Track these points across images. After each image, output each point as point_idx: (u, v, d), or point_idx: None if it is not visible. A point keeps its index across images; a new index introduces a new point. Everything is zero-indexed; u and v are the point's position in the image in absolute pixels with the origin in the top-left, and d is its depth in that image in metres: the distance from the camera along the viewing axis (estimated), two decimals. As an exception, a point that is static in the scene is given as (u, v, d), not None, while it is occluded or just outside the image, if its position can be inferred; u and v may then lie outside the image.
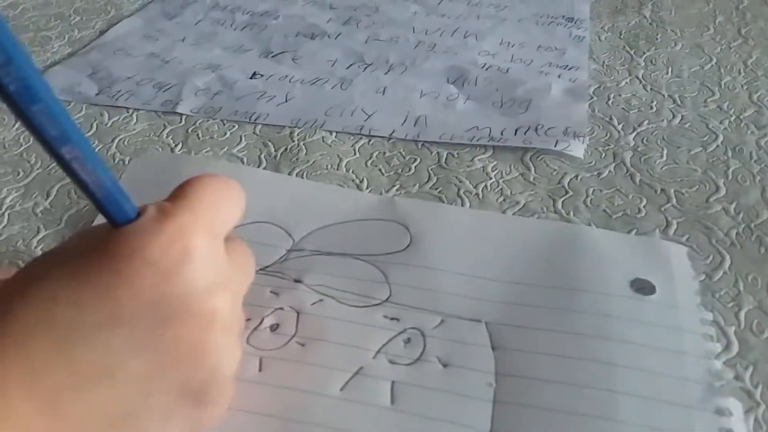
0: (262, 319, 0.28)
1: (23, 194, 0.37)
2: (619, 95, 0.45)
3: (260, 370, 0.26)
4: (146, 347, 0.20)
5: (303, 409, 0.25)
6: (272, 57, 0.51)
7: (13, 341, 0.18)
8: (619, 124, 0.42)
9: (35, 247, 0.33)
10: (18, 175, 0.39)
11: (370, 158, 0.39)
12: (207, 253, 0.20)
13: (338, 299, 0.29)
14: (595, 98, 0.45)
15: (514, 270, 0.30)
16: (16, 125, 0.43)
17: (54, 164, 0.39)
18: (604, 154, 0.39)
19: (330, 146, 0.40)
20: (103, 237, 0.20)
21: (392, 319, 0.28)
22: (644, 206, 0.34)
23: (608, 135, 0.41)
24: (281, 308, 0.29)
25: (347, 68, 0.49)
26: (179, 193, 0.21)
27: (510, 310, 0.28)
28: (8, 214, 0.35)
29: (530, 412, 0.24)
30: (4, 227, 0.35)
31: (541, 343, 0.26)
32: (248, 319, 0.28)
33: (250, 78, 0.48)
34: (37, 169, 0.39)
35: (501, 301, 0.28)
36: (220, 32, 0.55)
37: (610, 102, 0.44)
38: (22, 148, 0.41)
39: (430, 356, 0.26)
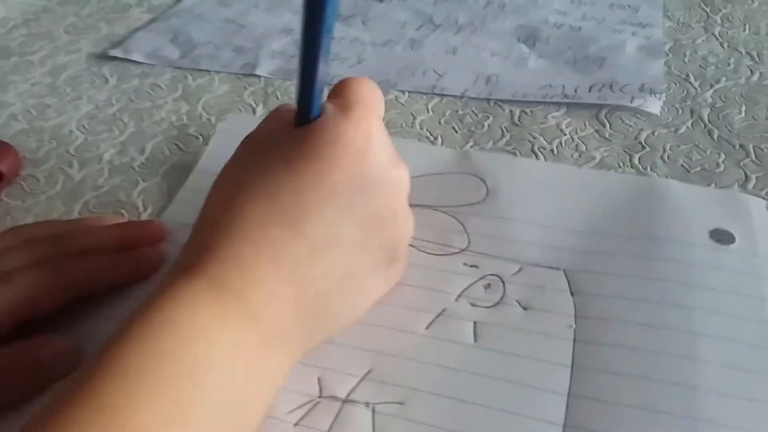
0: (349, 264, 0.30)
1: (120, 151, 0.40)
2: (696, 52, 0.44)
3: (350, 310, 0.28)
4: (355, 216, 0.24)
5: (392, 344, 0.26)
6: (342, 20, 0.52)
7: (256, 227, 0.23)
8: (696, 81, 0.41)
9: (136, 197, 0.36)
10: (113, 132, 0.41)
11: (443, 116, 0.40)
12: (382, 133, 0.25)
13: (419, 248, 0.31)
14: (671, 56, 0.44)
15: (591, 220, 0.30)
16: (109, 85, 0.46)
17: (147, 123, 0.42)
18: (681, 111, 0.39)
19: (403, 105, 0.42)
20: (300, 133, 0.24)
21: (471, 266, 0.30)
22: (722, 161, 0.34)
23: (685, 92, 0.40)
24: (366, 254, 0.30)
25: (417, 29, 0.50)
26: (343, 92, 0.26)
27: (589, 258, 0.29)
28: (108, 169, 0.38)
29: (611, 351, 0.25)
30: (105, 180, 0.37)
31: (621, 288, 0.27)
32: (336, 264, 0.30)
33: (323, 41, 0.49)
34: (131, 127, 0.42)
35: (579, 249, 0.29)
36: (291, -3, 0.57)
37: (686, 59, 0.44)
38: (114, 108, 0.44)
39: (510, 300, 0.28)
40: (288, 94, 0.44)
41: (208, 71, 0.47)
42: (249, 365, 0.22)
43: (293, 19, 0.53)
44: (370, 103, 0.25)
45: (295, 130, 0.25)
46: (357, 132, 0.24)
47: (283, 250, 0.23)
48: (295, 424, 0.24)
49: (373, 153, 0.24)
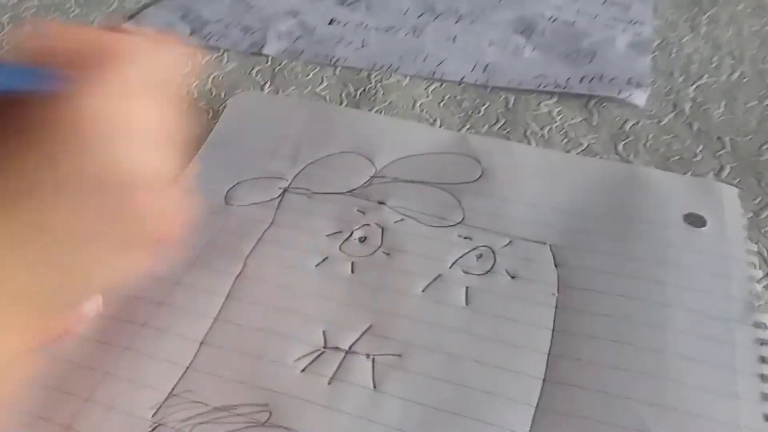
0: (352, 232, 0.32)
1: (134, 120, 0.42)
2: (682, 50, 0.47)
3: (352, 272, 0.30)
4: None
5: (391, 304, 0.29)
6: (347, 5, 0.54)
7: None
8: (680, 76, 0.44)
9: (150, 165, 0.38)
10: (127, 104, 0.43)
11: (442, 100, 0.43)
12: None
13: (417, 219, 0.33)
14: (658, 52, 0.47)
15: (576, 201, 0.33)
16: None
17: (159, 95, 0.43)
18: (664, 104, 0.41)
19: (405, 88, 0.44)
20: None
21: (465, 238, 0.32)
22: (700, 151, 0.37)
23: (669, 86, 0.43)
24: (368, 224, 0.33)
25: (418, 17, 0.52)
26: None
27: (573, 235, 0.31)
28: (123, 137, 0.40)
29: (589, 317, 0.28)
30: (120, 148, 0.39)
31: (601, 263, 0.30)
32: (339, 231, 0.32)
33: (329, 24, 0.51)
34: (144, 99, 0.43)
35: (564, 227, 0.32)
36: (297, -20, 0.58)
37: (672, 56, 0.46)
38: (127, 81, 0.45)
39: (500, 269, 0.30)
40: (295, 73, 0.46)
41: (218, 49, 0.49)
42: None
43: (300, 2, 0.55)
44: None
45: None
46: None
47: None
48: (302, 371, 0.26)
49: None
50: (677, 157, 0.37)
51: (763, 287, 0.29)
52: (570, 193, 0.34)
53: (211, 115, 0.42)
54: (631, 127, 0.39)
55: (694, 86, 0.43)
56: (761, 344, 0.26)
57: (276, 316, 0.28)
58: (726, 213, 0.32)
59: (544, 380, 0.26)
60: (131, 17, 0.52)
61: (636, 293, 0.28)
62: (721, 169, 0.36)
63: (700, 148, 0.37)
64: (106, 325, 0.28)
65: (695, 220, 0.32)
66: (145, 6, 0.55)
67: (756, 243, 0.31)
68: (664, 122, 0.40)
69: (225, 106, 0.42)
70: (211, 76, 0.46)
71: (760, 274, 0.29)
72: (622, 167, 0.36)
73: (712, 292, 0.28)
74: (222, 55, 0.48)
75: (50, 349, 0.27)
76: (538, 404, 0.25)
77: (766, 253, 0.30)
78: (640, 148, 0.38)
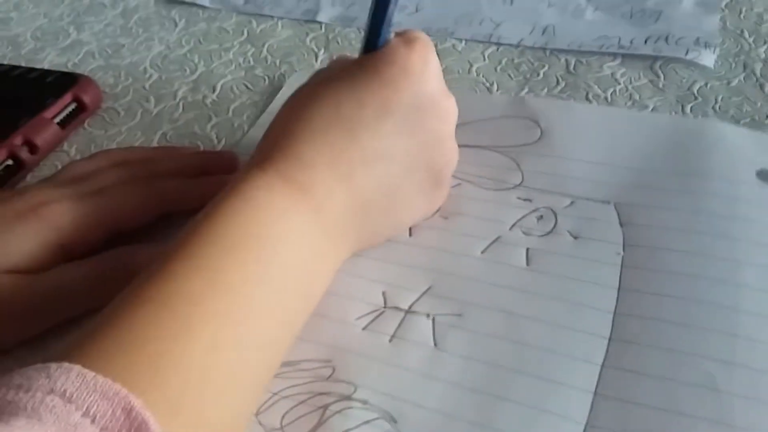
0: (409, 195, 0.32)
1: (192, 88, 0.42)
2: (752, 9, 0.45)
3: (410, 236, 0.30)
4: (408, 133, 0.27)
5: (450, 265, 0.29)
6: (400, -29, 0.53)
7: (318, 132, 0.26)
8: (750, 36, 0.42)
9: (209, 131, 0.38)
10: (185, 72, 0.44)
11: (500, 64, 0.42)
12: (437, 65, 0.28)
13: (476, 183, 0.33)
14: (727, 11, 0.44)
15: (642, 158, 0.32)
16: (179, 28, 0.48)
17: (216, 64, 0.44)
18: (734, 65, 0.39)
19: (460, 53, 0.43)
20: (366, 58, 0.27)
21: (525, 200, 0.31)
22: (773, 113, 0.35)
23: (739, 47, 0.41)
24: (425, 187, 0.32)
25: (474, -19, 0.51)
26: (405, 33, 0.28)
27: (638, 192, 0.30)
28: (182, 104, 0.41)
29: (656, 276, 0.27)
30: (180, 114, 0.40)
31: (669, 220, 0.29)
32: (397, 194, 0.32)
33: (382, -10, 0.51)
34: (201, 67, 0.44)
35: (630, 185, 0.31)
36: (349, -52, 0.58)
37: (741, 15, 0.44)
38: (185, 49, 0.46)
39: (562, 230, 0.30)
40: (348, 40, 0.46)
41: (272, 17, 0.49)
42: (312, 249, 0.25)
43: (352, -31, 0.54)
44: (429, 41, 0.28)
45: (361, 57, 0.27)
46: (416, 58, 0.27)
47: (340, 154, 0.26)
48: (363, 329, 0.27)
49: (428, 79, 0.27)
50: (748, 119, 0.35)
51: (844, 249, 0.27)
52: (635, 149, 0.32)
53: (266, 82, 0.42)
54: (699, 88, 0.38)
55: (766, 46, 0.41)
56: (840, 304, 0.25)
57: (338, 278, 0.28)
58: (802, 173, 0.30)
59: (609, 339, 0.25)
60: (187, -12, 0.53)
61: (706, 249, 0.27)
62: (796, 130, 0.34)
63: (773, 108, 0.36)
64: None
65: (768, 178, 0.30)
66: (200, -23, 0.55)
67: (836, 204, 0.29)
68: (733, 83, 0.38)
69: (281, 73, 0.42)
70: (266, 45, 0.46)
71: (839, 235, 0.28)
72: (691, 122, 0.34)
73: (788, 251, 0.27)
74: (276, 22, 0.48)
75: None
76: (603, 362, 0.24)
77: None
78: (709, 110, 0.36)
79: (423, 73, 0.27)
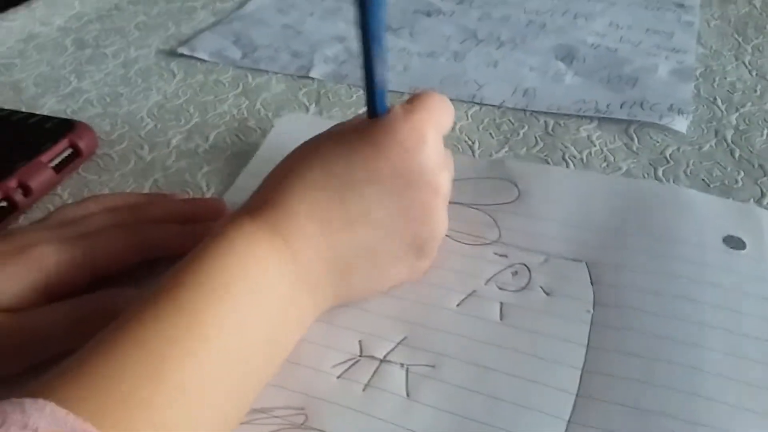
0: (390, 247, 0.33)
1: (186, 137, 0.44)
2: (725, 78, 0.47)
3: (389, 285, 0.31)
4: (394, 203, 0.28)
5: (426, 316, 0.29)
6: (391, 31, 0.56)
7: (308, 186, 0.27)
8: (722, 104, 0.44)
9: (200, 179, 0.40)
10: (180, 121, 0.46)
11: (482, 123, 0.43)
12: (435, 141, 0.29)
13: (455, 238, 0.34)
14: (701, 80, 0.47)
15: (614, 220, 0.33)
16: (177, 79, 0.50)
17: (211, 115, 0.46)
18: (706, 131, 0.41)
19: (445, 111, 0.45)
20: (366, 124, 0.28)
21: (501, 255, 0.33)
22: (741, 178, 0.37)
23: (711, 114, 0.43)
24: (406, 240, 0.34)
25: (461, 43, 0.53)
26: (415, 100, 0.29)
27: (609, 253, 0.31)
28: (175, 152, 0.42)
29: (623, 334, 0.28)
30: (173, 162, 0.41)
31: (637, 281, 0.30)
32: (378, 246, 0.33)
33: (373, 49, 0.53)
34: (196, 118, 0.46)
35: (601, 245, 0.32)
36: (343, 8, 0.61)
37: (715, 84, 0.46)
38: (181, 100, 0.48)
39: (535, 286, 0.31)
40: (339, 95, 0.47)
41: (267, 71, 0.51)
42: (288, 297, 0.26)
43: (346, 28, 0.57)
44: (434, 114, 0.29)
45: (361, 122, 0.29)
46: (411, 132, 0.27)
47: (327, 212, 0.27)
48: (338, 377, 0.27)
49: (421, 155, 0.28)
50: (718, 183, 0.37)
51: (805, 313, 0.28)
52: (607, 212, 0.34)
53: (259, 132, 0.44)
54: (671, 152, 0.39)
55: (737, 114, 0.43)
56: (801, 368, 0.26)
57: (315, 326, 0.29)
58: (766, 237, 0.32)
59: (577, 395, 0.26)
60: (186, 42, 0.55)
61: (672, 312, 0.28)
62: (762, 195, 0.35)
63: (741, 174, 0.37)
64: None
65: (735, 243, 0.31)
66: (200, 31, 0.57)
67: (798, 269, 0.30)
68: (705, 149, 0.40)
69: (272, 125, 0.44)
70: (260, 98, 0.48)
71: (801, 299, 0.29)
72: (661, 187, 0.36)
73: (750, 313, 0.28)
74: (271, 77, 0.50)
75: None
76: (570, 418, 0.25)
77: (808, 279, 0.30)
78: (681, 174, 0.38)
79: (417, 149, 0.27)
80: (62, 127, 0.42)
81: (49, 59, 0.55)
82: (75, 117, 0.46)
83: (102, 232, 0.31)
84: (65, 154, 0.41)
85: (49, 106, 0.48)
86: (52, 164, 0.40)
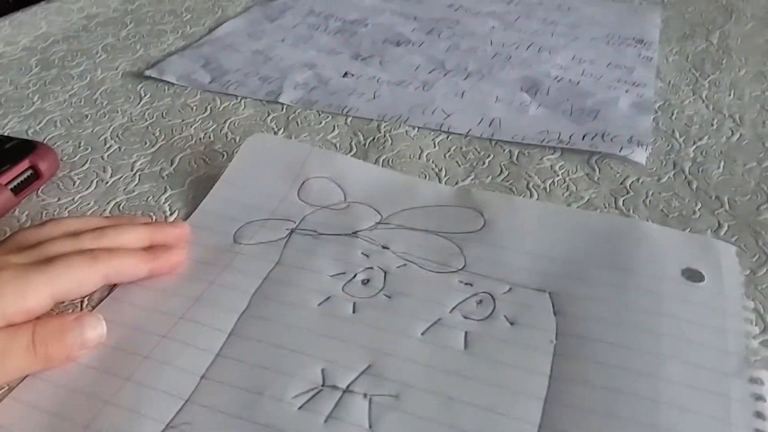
0: (355, 274, 0.33)
1: (151, 160, 0.43)
2: (683, 112, 0.48)
3: (354, 312, 0.31)
4: None
5: (390, 345, 0.29)
6: (362, 60, 0.57)
7: None
8: (680, 137, 0.45)
9: (163, 203, 0.39)
10: (145, 144, 0.45)
11: (449, 151, 0.44)
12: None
13: (420, 265, 0.34)
14: (660, 113, 0.48)
15: (576, 252, 0.34)
16: (143, 102, 0.50)
17: (176, 138, 0.45)
18: (664, 162, 0.42)
19: (413, 139, 0.45)
20: None
21: (466, 284, 0.33)
22: (699, 209, 0.38)
23: (670, 146, 0.44)
24: (371, 267, 0.34)
25: (429, 73, 0.54)
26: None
27: (572, 283, 0.32)
28: (139, 176, 0.42)
29: (585, 365, 0.28)
30: (136, 185, 0.41)
31: (599, 312, 0.30)
32: (343, 273, 0.33)
33: (343, 77, 0.53)
34: (162, 141, 0.45)
35: (564, 276, 0.32)
36: (315, 36, 0.61)
37: (673, 117, 0.48)
38: (147, 123, 0.47)
39: (499, 315, 0.31)
40: (308, 121, 0.48)
41: (236, 96, 0.51)
42: None
43: (317, 55, 0.57)
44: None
45: None
46: None
47: None
48: (299, 408, 0.27)
49: None
50: (676, 214, 0.38)
51: (759, 343, 0.29)
52: (570, 243, 0.34)
53: (225, 157, 0.43)
54: (631, 183, 0.40)
55: (694, 147, 0.44)
56: (756, 399, 0.26)
57: (277, 354, 0.29)
58: (724, 269, 0.32)
59: (539, 426, 0.26)
60: (154, 65, 0.55)
61: (631, 343, 0.28)
62: (719, 227, 0.36)
63: (699, 206, 0.38)
64: (109, 355, 0.29)
65: (693, 275, 0.32)
66: (169, 55, 0.57)
67: (752, 300, 0.31)
68: (664, 180, 0.41)
69: (239, 149, 0.44)
70: (228, 122, 0.47)
71: (756, 330, 0.30)
72: (622, 220, 0.37)
73: (708, 345, 0.28)
74: (239, 102, 0.50)
75: (52, 375, 0.28)
76: (532, 449, 0.25)
77: (762, 310, 0.31)
78: (640, 204, 0.38)
79: None
80: (23, 148, 0.41)
81: (13, 79, 0.54)
82: (37, 138, 0.45)
83: (62, 259, 0.30)
84: (25, 176, 0.40)
85: (10, 126, 0.47)
86: (11, 186, 0.39)
